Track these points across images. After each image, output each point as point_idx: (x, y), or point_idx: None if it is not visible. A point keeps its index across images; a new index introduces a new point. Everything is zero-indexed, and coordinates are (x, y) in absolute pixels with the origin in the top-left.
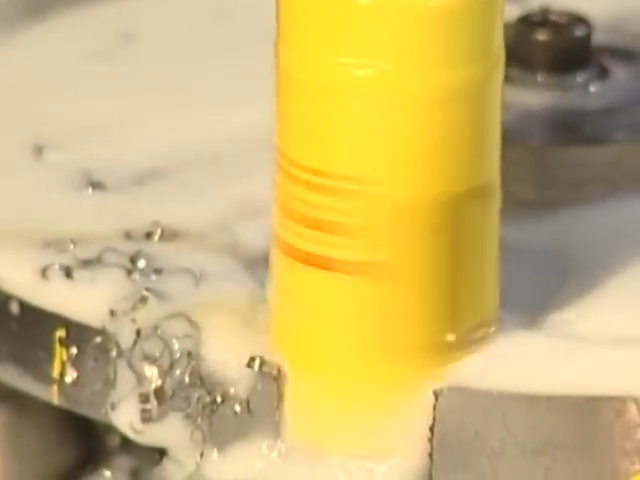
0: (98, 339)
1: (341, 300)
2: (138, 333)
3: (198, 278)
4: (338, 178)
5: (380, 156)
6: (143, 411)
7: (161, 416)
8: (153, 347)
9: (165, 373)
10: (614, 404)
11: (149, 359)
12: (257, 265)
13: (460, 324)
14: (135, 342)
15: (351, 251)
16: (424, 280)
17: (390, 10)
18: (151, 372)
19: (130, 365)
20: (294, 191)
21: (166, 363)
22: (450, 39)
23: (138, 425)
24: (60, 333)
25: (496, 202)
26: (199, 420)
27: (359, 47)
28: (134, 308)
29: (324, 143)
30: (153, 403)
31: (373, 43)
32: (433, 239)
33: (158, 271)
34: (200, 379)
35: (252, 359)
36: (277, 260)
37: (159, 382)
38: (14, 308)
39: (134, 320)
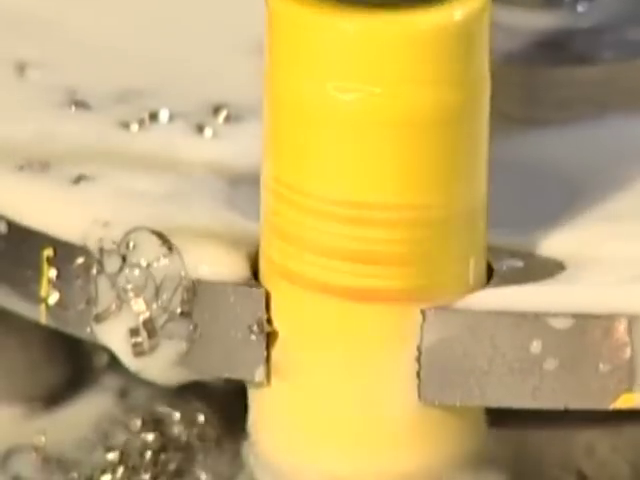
0: (83, 259)
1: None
2: (124, 258)
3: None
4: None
5: (368, 178)
6: (135, 345)
7: (153, 347)
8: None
9: (151, 300)
10: (602, 323)
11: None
12: (241, 185)
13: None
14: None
15: None
16: None
17: (377, 35)
18: (136, 301)
19: (114, 285)
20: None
21: (150, 292)
22: (437, 63)
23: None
24: (48, 252)
25: (483, 223)
26: (185, 347)
27: (347, 72)
28: None
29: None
30: (143, 335)
31: (360, 67)
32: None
33: None
34: (183, 302)
35: (236, 284)
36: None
37: (146, 313)
38: (2, 228)
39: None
